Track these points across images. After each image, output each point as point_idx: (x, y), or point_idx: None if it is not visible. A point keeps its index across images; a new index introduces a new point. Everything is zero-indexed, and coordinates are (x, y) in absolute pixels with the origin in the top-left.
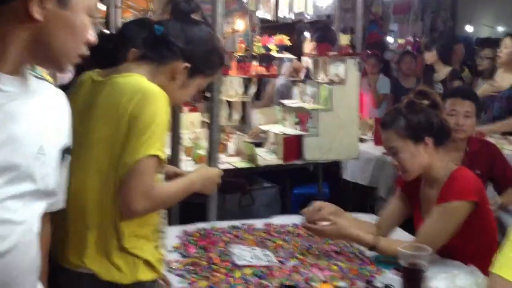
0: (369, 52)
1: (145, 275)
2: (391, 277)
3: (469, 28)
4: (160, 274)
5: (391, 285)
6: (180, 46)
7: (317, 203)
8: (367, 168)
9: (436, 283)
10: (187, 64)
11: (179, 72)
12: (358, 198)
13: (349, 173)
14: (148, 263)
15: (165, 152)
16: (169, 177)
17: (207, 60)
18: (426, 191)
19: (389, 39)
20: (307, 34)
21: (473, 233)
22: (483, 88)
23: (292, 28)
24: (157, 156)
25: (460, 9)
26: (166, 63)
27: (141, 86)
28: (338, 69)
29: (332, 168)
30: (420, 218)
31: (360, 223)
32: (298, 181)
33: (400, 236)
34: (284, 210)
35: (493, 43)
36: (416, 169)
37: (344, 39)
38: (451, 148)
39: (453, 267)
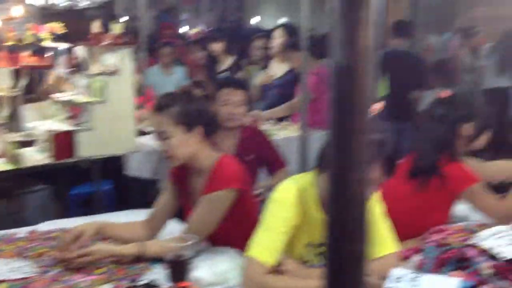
0: (154, 41)
1: None
2: (159, 271)
3: (255, 19)
4: None
5: (154, 280)
6: None
7: (74, 231)
8: (150, 160)
9: (200, 272)
10: None
11: None
12: (143, 192)
13: (133, 167)
14: None
15: None
16: None
17: None
18: (194, 181)
19: (183, 29)
20: (95, 23)
21: (238, 218)
22: (259, 78)
23: (81, 15)
24: None
25: (247, 0)
26: None
27: None
28: (112, 59)
29: (116, 163)
30: (190, 208)
31: (127, 226)
32: (77, 180)
33: (174, 227)
34: (62, 213)
35: (266, 34)
36: (183, 156)
37: (116, 28)
38: (225, 136)
39: (217, 254)
